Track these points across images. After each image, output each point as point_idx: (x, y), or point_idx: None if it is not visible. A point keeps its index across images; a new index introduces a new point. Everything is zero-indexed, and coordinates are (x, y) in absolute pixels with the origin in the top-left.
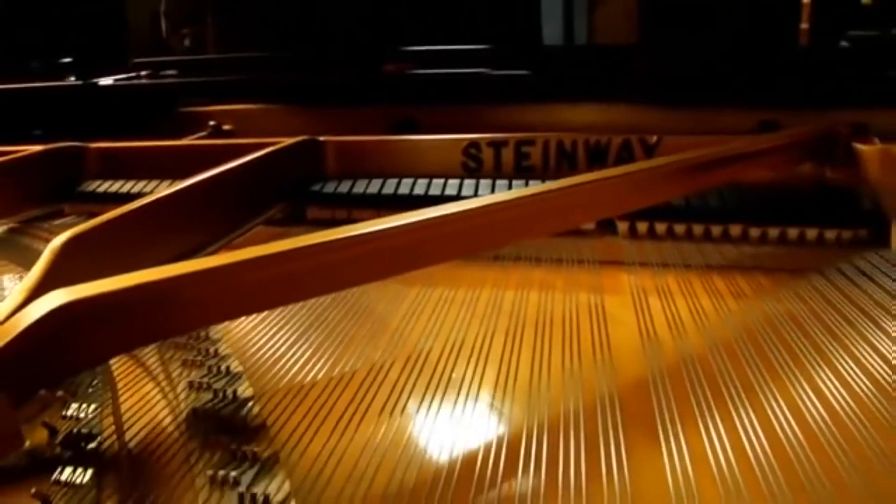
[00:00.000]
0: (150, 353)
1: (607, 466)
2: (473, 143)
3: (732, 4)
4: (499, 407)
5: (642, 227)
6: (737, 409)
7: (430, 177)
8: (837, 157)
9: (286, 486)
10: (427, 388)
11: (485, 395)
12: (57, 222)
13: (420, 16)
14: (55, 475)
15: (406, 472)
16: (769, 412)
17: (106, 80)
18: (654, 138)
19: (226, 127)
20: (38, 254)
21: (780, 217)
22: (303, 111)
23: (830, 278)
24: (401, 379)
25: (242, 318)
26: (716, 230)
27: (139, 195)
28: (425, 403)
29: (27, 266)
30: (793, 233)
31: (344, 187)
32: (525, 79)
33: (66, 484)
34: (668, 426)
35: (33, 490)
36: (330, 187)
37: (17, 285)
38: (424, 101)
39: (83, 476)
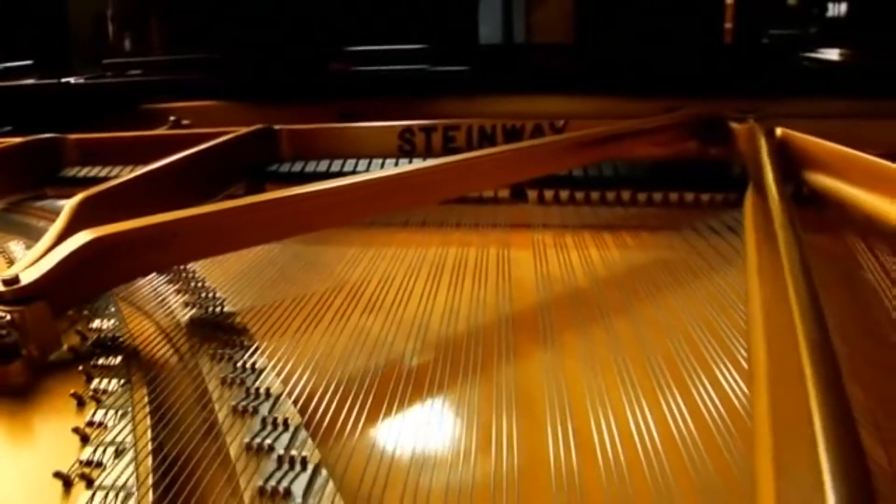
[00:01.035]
0: (146, 286)
1: (498, 360)
2: (408, 129)
3: (661, 7)
4: (419, 321)
5: (549, 194)
6: (607, 324)
7: (371, 157)
8: (719, 135)
9: (265, 361)
10: (364, 311)
11: (409, 314)
12: (39, 203)
13: (369, 17)
14: (93, 361)
15: (348, 364)
16: (633, 329)
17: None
18: (562, 122)
19: (184, 122)
20: (32, 227)
21: (664, 183)
22: (254, 107)
23: (701, 233)
24: (343, 304)
25: (220, 272)
26: (609, 195)
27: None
28: (363, 320)
29: (27, 236)
30: (673, 196)
31: (297, 167)
32: (460, 74)
33: (103, 366)
34: (549, 334)
35: (80, 367)
36: (285, 167)
37: (23, 248)
38: (370, 95)
39: (115, 360)
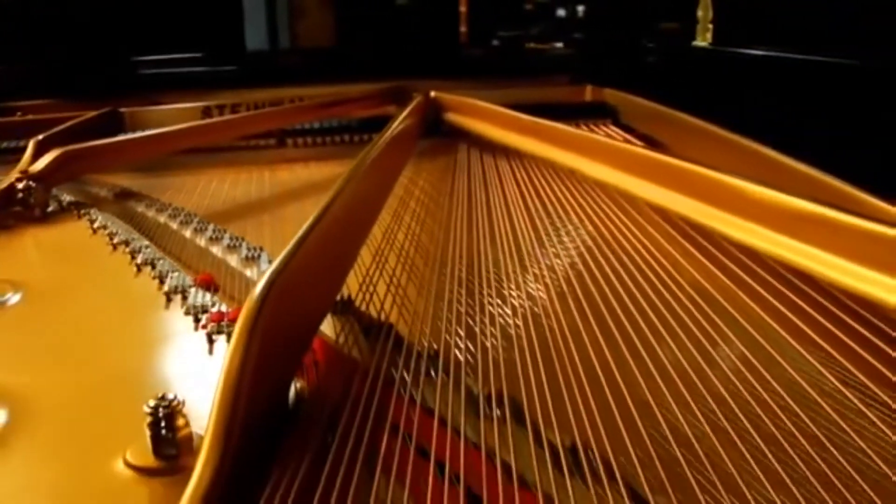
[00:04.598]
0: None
1: (267, 207)
2: (207, 107)
3: (407, 17)
4: (222, 196)
5: (300, 140)
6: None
7: None
8: (405, 100)
9: (163, 204)
10: (191, 196)
11: (216, 194)
12: None
13: (161, 31)
14: (72, 207)
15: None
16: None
17: None
18: (300, 99)
19: (29, 116)
20: None
21: (368, 129)
22: (74, 103)
23: None
24: (181, 194)
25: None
26: (337, 138)
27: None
28: (194, 199)
29: None
30: (366, 137)
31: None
32: (229, 73)
33: (79, 205)
34: (295, 198)
35: (80, 213)
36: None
37: None
38: (166, 90)
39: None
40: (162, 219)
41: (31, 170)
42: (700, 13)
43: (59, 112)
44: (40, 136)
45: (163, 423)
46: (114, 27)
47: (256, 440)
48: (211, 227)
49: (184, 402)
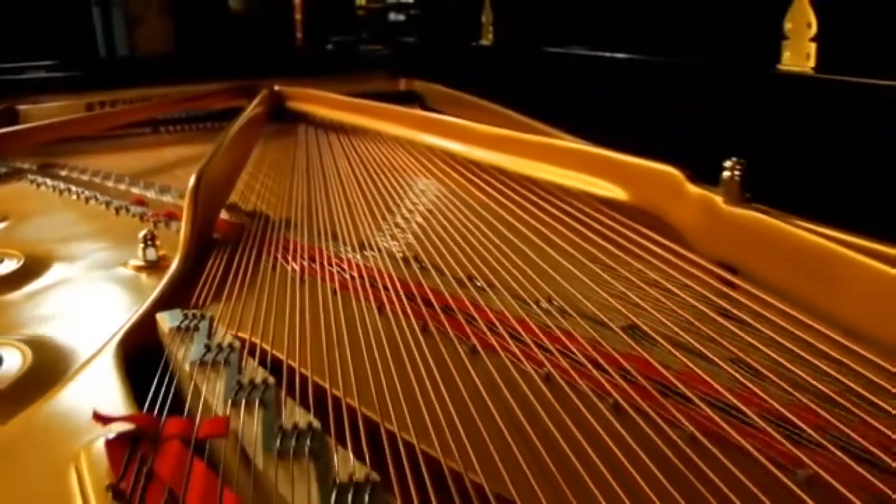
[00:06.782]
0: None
1: (174, 164)
2: (90, 102)
3: (246, 24)
4: (132, 166)
5: (173, 128)
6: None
7: None
8: (252, 94)
9: (83, 168)
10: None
11: (127, 165)
12: None
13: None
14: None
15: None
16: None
17: None
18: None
19: None
20: None
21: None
22: None
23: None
24: (89, 165)
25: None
26: (200, 126)
27: None
28: (106, 169)
29: None
30: (224, 124)
31: None
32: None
33: (16, 174)
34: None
35: (19, 178)
36: None
37: None
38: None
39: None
40: (85, 177)
41: None
42: (483, 18)
43: None
44: None
45: (149, 242)
46: None
47: (199, 255)
48: (127, 178)
49: (158, 235)
